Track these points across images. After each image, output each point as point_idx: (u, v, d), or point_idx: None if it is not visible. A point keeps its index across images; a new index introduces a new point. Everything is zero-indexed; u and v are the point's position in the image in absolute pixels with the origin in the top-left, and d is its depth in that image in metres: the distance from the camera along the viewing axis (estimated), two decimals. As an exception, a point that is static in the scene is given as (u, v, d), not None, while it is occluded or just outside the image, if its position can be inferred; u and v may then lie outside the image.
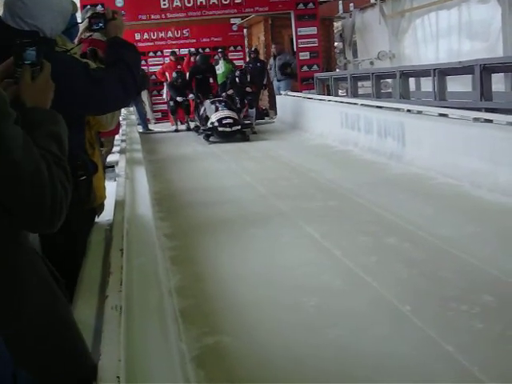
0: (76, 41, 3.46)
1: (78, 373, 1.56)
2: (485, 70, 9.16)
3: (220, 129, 13.57)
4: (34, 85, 1.70)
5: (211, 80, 16.51)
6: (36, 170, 1.45)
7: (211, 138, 13.80)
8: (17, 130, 1.46)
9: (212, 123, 13.75)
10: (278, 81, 17.33)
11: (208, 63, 16.80)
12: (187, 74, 16.69)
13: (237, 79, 15.83)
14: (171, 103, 16.60)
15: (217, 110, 14.09)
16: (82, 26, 3.44)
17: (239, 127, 13.69)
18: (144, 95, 17.99)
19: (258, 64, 17.54)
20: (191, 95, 16.21)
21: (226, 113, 13.90)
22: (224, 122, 13.60)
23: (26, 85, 1.69)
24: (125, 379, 1.68)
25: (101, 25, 3.03)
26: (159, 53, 19.47)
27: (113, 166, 6.19)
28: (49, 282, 1.60)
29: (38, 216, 1.51)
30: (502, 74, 10.19)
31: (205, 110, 14.72)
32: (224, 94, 15.67)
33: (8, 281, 1.47)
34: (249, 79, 16.00)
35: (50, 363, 1.49)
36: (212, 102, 14.60)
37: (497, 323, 3.73)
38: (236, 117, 13.95)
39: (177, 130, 16.54)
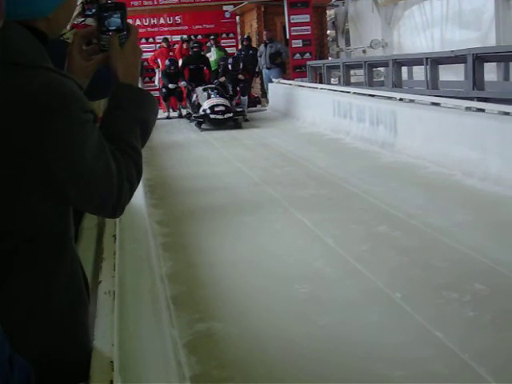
0: (68, 26, 3.45)
1: (77, 359, 1.56)
2: (477, 60, 9.16)
3: (212, 116, 13.55)
4: (123, 52, 1.62)
5: (205, 68, 16.34)
6: (105, 175, 1.42)
7: (203, 126, 13.81)
8: (93, 134, 1.41)
9: (204, 110, 13.74)
10: (268, 69, 17.22)
11: (201, 55, 16.62)
12: (180, 62, 16.59)
13: (229, 66, 15.71)
14: (163, 90, 16.52)
15: (209, 97, 14.05)
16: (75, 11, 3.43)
17: (231, 115, 13.69)
18: (138, 82, 17.93)
19: (251, 51, 17.48)
20: (183, 82, 16.12)
21: (219, 100, 13.88)
22: (216, 109, 13.59)
23: (116, 52, 1.62)
24: (118, 364, 1.69)
25: (94, 10, 2.99)
26: (151, 39, 19.40)
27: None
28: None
29: (100, 211, 1.60)
30: (495, 63, 10.19)
31: (197, 97, 14.67)
32: (216, 81, 15.61)
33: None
34: (241, 67, 15.86)
35: (50, 350, 1.49)
36: (204, 90, 14.56)
37: (487, 311, 3.75)
38: (228, 104, 13.94)
39: (169, 117, 16.47)
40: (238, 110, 14.34)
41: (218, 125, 13.58)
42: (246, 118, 14.58)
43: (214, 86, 15.05)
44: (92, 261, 2.65)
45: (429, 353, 3.30)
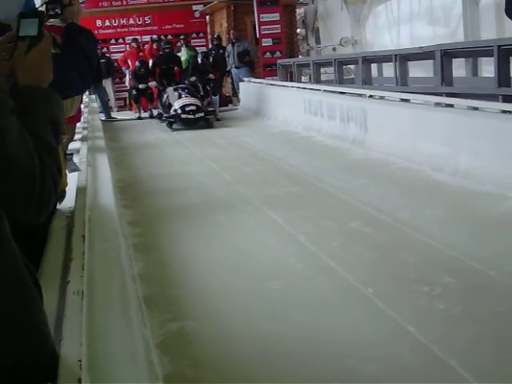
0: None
1: (40, 357, 1.55)
2: (445, 56, 9.24)
3: (183, 116, 13.47)
4: (27, 59, 1.61)
5: (176, 68, 16.33)
6: (28, 164, 1.41)
7: (174, 126, 13.73)
8: (12, 121, 1.41)
9: (175, 110, 13.66)
10: (237, 68, 17.17)
11: (172, 54, 16.66)
12: (150, 62, 16.52)
13: (199, 60, 15.79)
14: (133, 92, 16.46)
15: (180, 97, 13.95)
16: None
17: (202, 114, 13.61)
18: (108, 83, 17.84)
19: (221, 51, 17.45)
20: (153, 82, 16.18)
21: (190, 100, 13.79)
22: (187, 109, 13.50)
23: (18, 59, 1.61)
24: (86, 363, 1.68)
25: (57, 10, 2.99)
26: (121, 40, 19.31)
27: (72, 154, 6.13)
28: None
29: (25, 208, 1.48)
30: (463, 59, 10.28)
31: (168, 97, 14.60)
32: (187, 81, 15.48)
33: None
34: (211, 65, 15.90)
35: (11, 347, 1.47)
36: (175, 89, 14.48)
37: (457, 304, 3.78)
38: (199, 104, 13.86)
39: (140, 118, 16.39)
40: (210, 109, 14.30)
41: (190, 124, 13.49)
42: (217, 117, 14.49)
43: (184, 85, 14.94)
44: (61, 261, 2.64)
45: (400, 346, 3.32)
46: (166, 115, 14.10)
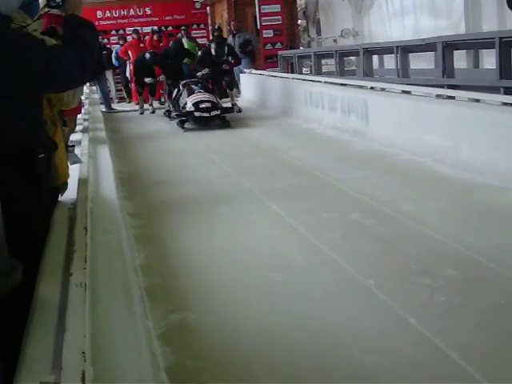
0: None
1: None
2: (447, 47, 9.24)
3: (197, 114, 11.94)
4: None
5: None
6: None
7: (186, 125, 12.24)
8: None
9: (187, 107, 12.18)
10: None
11: (181, 47, 15.55)
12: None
13: (213, 51, 14.20)
14: (137, 86, 15.77)
15: (192, 92, 12.54)
16: (41, 2, 3.40)
17: (218, 112, 12.05)
18: (109, 74, 17.79)
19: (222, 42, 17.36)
20: (162, 76, 14.86)
21: (204, 95, 12.33)
22: (201, 106, 11.98)
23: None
24: (90, 355, 1.69)
25: (58, 1, 3.00)
26: (121, 31, 19.27)
27: (74, 146, 6.13)
28: None
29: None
30: (464, 51, 10.27)
31: (178, 92, 13.20)
32: (199, 73, 14.21)
33: None
34: (227, 51, 14.33)
35: None
36: (186, 84, 13.18)
37: (459, 296, 3.78)
38: (215, 100, 12.37)
39: (142, 113, 15.56)
40: (226, 106, 12.84)
41: (204, 124, 12.01)
42: (239, 109, 13.62)
43: (196, 79, 13.61)
44: (63, 253, 2.64)
45: (401, 338, 3.33)
46: (177, 113, 12.59)
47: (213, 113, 11.95)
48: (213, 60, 14.09)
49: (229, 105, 13.83)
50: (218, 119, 12.05)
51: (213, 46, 14.25)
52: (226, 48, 14.42)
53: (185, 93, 12.74)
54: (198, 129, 11.94)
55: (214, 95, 12.66)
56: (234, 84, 14.33)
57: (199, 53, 15.33)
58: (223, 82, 14.40)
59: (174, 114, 12.92)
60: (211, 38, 18.35)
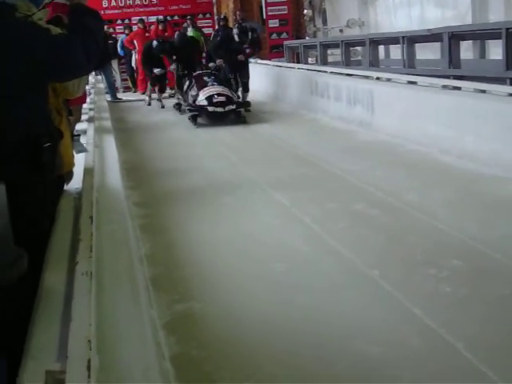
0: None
1: None
2: (453, 38, 9.21)
3: (210, 109, 11.00)
4: None
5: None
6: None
7: (199, 120, 11.30)
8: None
9: (199, 101, 11.24)
10: None
11: (188, 40, 14.12)
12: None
13: (236, 37, 12.86)
14: (150, 76, 14.70)
15: (205, 85, 11.57)
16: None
17: (233, 106, 11.13)
18: (114, 64, 17.75)
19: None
20: (172, 66, 13.59)
21: (218, 89, 11.35)
22: (215, 100, 11.01)
23: None
24: (96, 343, 1.69)
25: None
26: (127, 20, 19.23)
27: (79, 135, 6.13)
28: None
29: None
30: (471, 41, 10.23)
31: (190, 84, 12.22)
32: (212, 64, 13.24)
33: None
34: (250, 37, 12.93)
35: None
36: (198, 75, 12.26)
37: (464, 287, 3.78)
38: (229, 94, 11.36)
39: (149, 104, 14.96)
40: (241, 101, 11.95)
41: (218, 119, 11.08)
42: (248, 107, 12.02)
43: (210, 71, 12.63)
44: (69, 242, 2.64)
45: (406, 329, 3.33)
46: (189, 107, 11.53)
47: (227, 107, 11.02)
48: (228, 47, 12.84)
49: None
50: (233, 114, 11.19)
51: (235, 31, 12.97)
52: (250, 34, 13.03)
53: (197, 85, 11.81)
54: (211, 125, 11.16)
55: (229, 88, 11.67)
56: (248, 83, 13.09)
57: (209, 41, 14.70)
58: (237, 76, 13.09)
59: (185, 107, 12.07)
60: (217, 27, 18.33)
